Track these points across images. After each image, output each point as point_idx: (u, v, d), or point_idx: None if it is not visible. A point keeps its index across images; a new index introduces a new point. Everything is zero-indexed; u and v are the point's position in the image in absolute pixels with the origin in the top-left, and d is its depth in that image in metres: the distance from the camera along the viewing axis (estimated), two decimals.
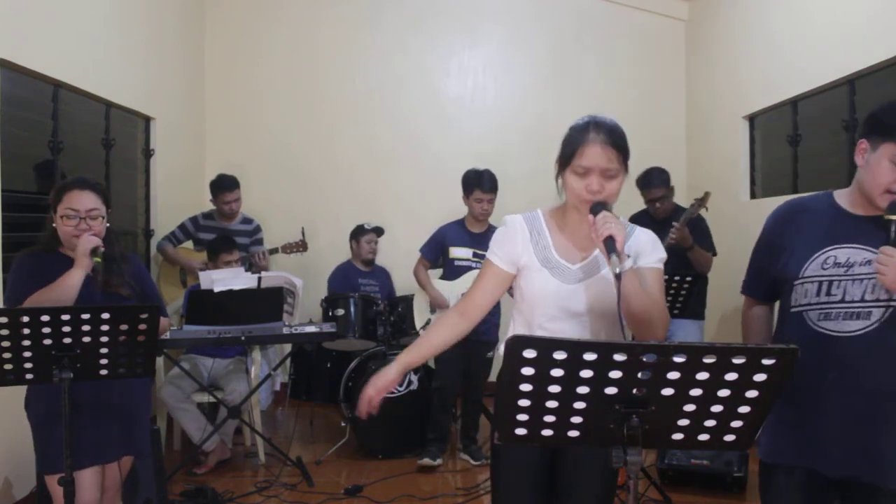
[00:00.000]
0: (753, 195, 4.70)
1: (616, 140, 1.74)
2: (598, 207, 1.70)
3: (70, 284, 2.25)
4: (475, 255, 4.13)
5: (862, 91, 3.50)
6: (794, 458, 1.80)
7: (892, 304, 1.69)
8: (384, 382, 1.89)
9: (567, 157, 1.77)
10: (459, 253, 4.16)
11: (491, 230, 4.13)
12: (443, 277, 4.23)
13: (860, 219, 1.77)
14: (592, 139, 1.72)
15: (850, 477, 1.74)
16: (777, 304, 1.98)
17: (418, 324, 4.26)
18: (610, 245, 1.62)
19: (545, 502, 1.90)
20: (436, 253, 4.24)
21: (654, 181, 3.93)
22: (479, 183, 4.06)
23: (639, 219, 4.14)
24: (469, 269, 4.12)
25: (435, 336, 1.95)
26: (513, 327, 1.93)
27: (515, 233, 1.87)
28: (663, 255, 1.84)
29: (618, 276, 1.59)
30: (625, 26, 5.66)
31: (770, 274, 1.91)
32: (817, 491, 1.80)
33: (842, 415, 1.74)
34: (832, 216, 1.81)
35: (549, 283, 1.81)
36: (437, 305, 4.13)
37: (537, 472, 1.87)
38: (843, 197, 1.84)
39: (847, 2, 3.52)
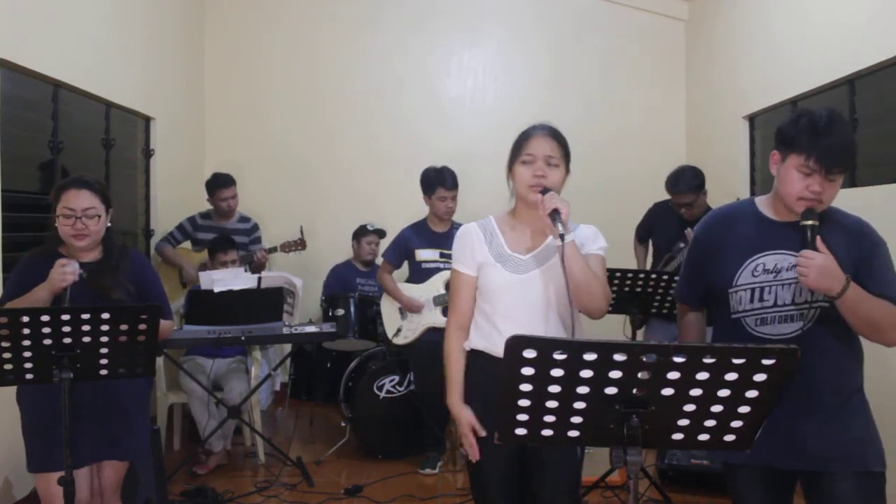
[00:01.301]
0: (753, 195, 4.69)
1: (557, 136, 2.03)
2: (546, 190, 1.93)
3: (34, 300, 2.24)
4: (442, 255, 4.02)
5: (862, 91, 3.50)
6: (748, 457, 1.83)
7: (821, 304, 1.79)
8: (467, 427, 1.99)
9: (515, 151, 2.04)
10: (426, 255, 4.06)
11: (455, 227, 4.02)
12: (409, 280, 4.14)
13: (782, 225, 1.87)
14: (537, 133, 2.02)
15: (800, 468, 1.85)
16: (707, 311, 2.11)
17: (389, 332, 4.11)
18: (555, 216, 1.85)
19: (518, 476, 2.04)
20: (401, 257, 4.13)
21: (680, 186, 3.75)
22: (441, 181, 3.98)
23: (664, 212, 4.02)
24: (437, 270, 4.03)
25: (456, 362, 2.08)
26: (474, 324, 2.08)
27: (471, 237, 2.09)
28: (604, 244, 2.06)
29: (562, 237, 1.81)
30: (625, 26, 5.66)
31: (702, 283, 2.01)
32: (776, 484, 1.90)
33: (787, 412, 1.80)
34: (756, 224, 1.91)
35: (504, 276, 2.01)
36: (411, 309, 4.02)
37: (509, 455, 2.01)
38: (764, 204, 1.94)
39: (847, 2, 3.52)
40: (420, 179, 4.09)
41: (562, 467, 2.01)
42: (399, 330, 4.09)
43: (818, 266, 1.70)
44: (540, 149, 1.99)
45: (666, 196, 3.99)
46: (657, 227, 4.08)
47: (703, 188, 3.81)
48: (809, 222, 1.75)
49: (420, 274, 4.08)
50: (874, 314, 1.75)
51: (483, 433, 1.97)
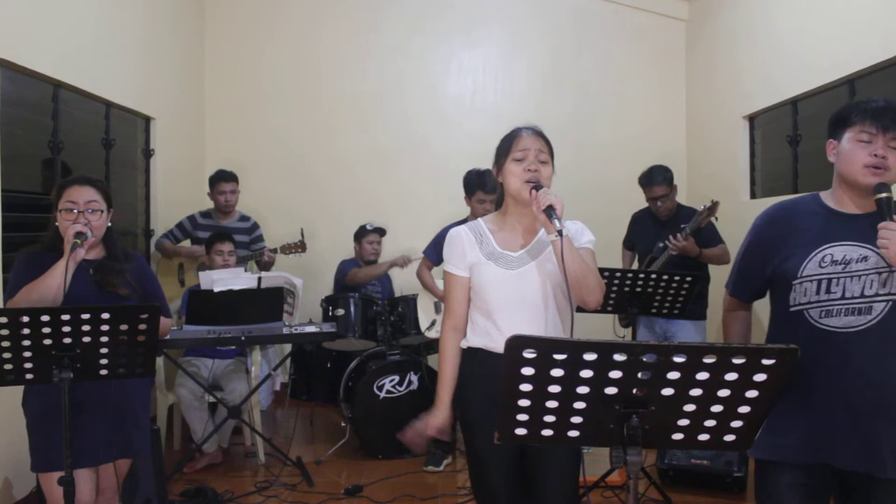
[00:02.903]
0: (753, 195, 4.71)
1: (543, 135, 2.07)
2: (539, 186, 1.95)
3: (55, 272, 2.24)
4: (443, 252, 4.11)
5: (862, 91, 3.50)
6: (795, 456, 1.82)
7: (893, 297, 1.73)
8: (434, 429, 2.10)
9: (505, 150, 2.06)
10: None
11: None
12: None
13: (850, 217, 1.83)
14: (525, 132, 2.06)
15: (856, 470, 1.76)
16: (753, 307, 2.08)
17: (423, 325, 4.24)
18: (550, 212, 1.86)
19: (518, 472, 2.05)
20: (440, 255, 4.19)
21: (656, 179, 3.89)
22: (481, 184, 4.02)
23: (642, 218, 4.14)
24: None
25: (450, 361, 2.12)
26: (470, 323, 2.11)
27: (461, 240, 2.11)
28: (592, 237, 2.08)
29: (559, 233, 1.83)
30: (625, 26, 5.66)
31: (762, 275, 1.95)
32: (817, 487, 1.84)
33: (847, 409, 1.76)
34: (823, 216, 1.87)
35: (496, 273, 2.03)
36: None
37: (511, 457, 2.03)
38: (829, 198, 1.91)
39: (847, 2, 3.52)
40: (462, 180, 4.11)
41: (562, 468, 2.01)
42: (433, 323, 4.19)
43: None
44: (531, 144, 2.02)
45: (644, 203, 4.09)
46: (637, 234, 4.19)
47: (674, 183, 3.95)
48: (884, 195, 1.73)
49: None
50: None
51: (447, 439, 2.04)
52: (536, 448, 2.00)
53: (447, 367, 2.11)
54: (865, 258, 1.76)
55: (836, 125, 1.86)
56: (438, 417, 2.08)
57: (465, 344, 2.11)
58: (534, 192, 1.93)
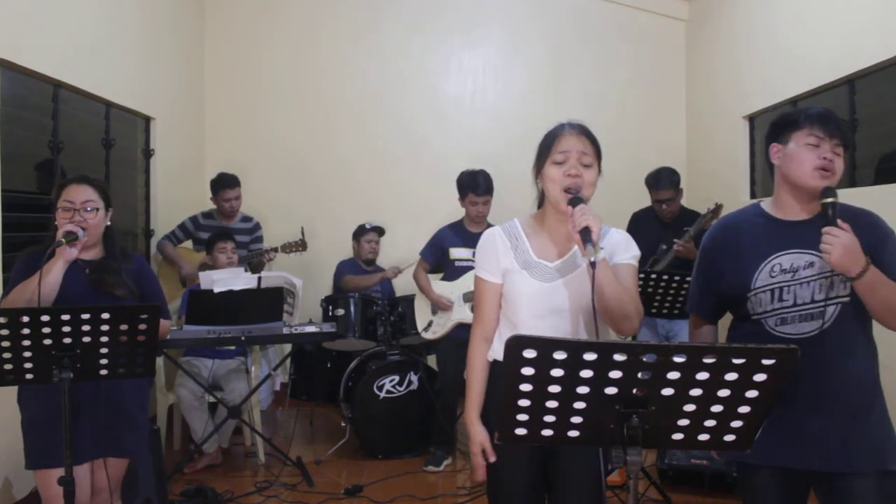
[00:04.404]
0: (753, 195, 4.70)
1: (589, 134, 1.90)
2: (576, 201, 1.79)
3: (47, 270, 2.25)
4: (475, 254, 4.12)
5: (862, 91, 3.50)
6: (767, 459, 1.85)
7: (841, 300, 1.79)
8: (478, 447, 1.90)
9: (546, 150, 1.88)
10: (459, 253, 4.15)
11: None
12: (444, 279, 4.23)
13: (793, 224, 1.87)
14: (568, 131, 1.88)
15: (822, 469, 1.82)
16: (720, 322, 2.10)
17: (420, 325, 4.25)
18: (586, 235, 1.70)
19: (539, 491, 1.94)
20: (436, 256, 4.22)
21: (663, 182, 3.91)
22: (472, 186, 4.05)
23: (644, 218, 4.15)
24: (469, 268, 4.09)
25: (479, 374, 1.97)
26: (497, 333, 1.98)
27: (495, 243, 1.97)
28: (637, 252, 1.93)
29: (592, 265, 1.66)
30: (625, 26, 5.67)
31: (716, 291, 1.99)
32: (792, 486, 1.89)
33: (809, 411, 1.81)
34: (767, 226, 1.91)
35: (530, 283, 1.89)
36: (440, 307, 4.13)
37: (531, 462, 1.91)
38: (770, 206, 1.95)
39: (847, 2, 3.52)
40: (456, 181, 4.14)
41: (586, 488, 1.91)
42: (430, 324, 4.19)
43: (843, 244, 1.69)
44: (573, 145, 1.85)
45: (644, 204, 4.10)
46: (638, 234, 4.17)
47: (680, 186, 3.98)
48: (830, 200, 1.75)
49: (453, 272, 4.17)
50: (892, 298, 1.72)
51: (493, 458, 1.87)
52: (559, 470, 1.90)
53: (476, 382, 1.96)
54: (812, 264, 1.81)
55: (782, 129, 1.88)
56: (475, 443, 1.90)
57: (490, 356, 1.98)
58: (569, 208, 1.77)
